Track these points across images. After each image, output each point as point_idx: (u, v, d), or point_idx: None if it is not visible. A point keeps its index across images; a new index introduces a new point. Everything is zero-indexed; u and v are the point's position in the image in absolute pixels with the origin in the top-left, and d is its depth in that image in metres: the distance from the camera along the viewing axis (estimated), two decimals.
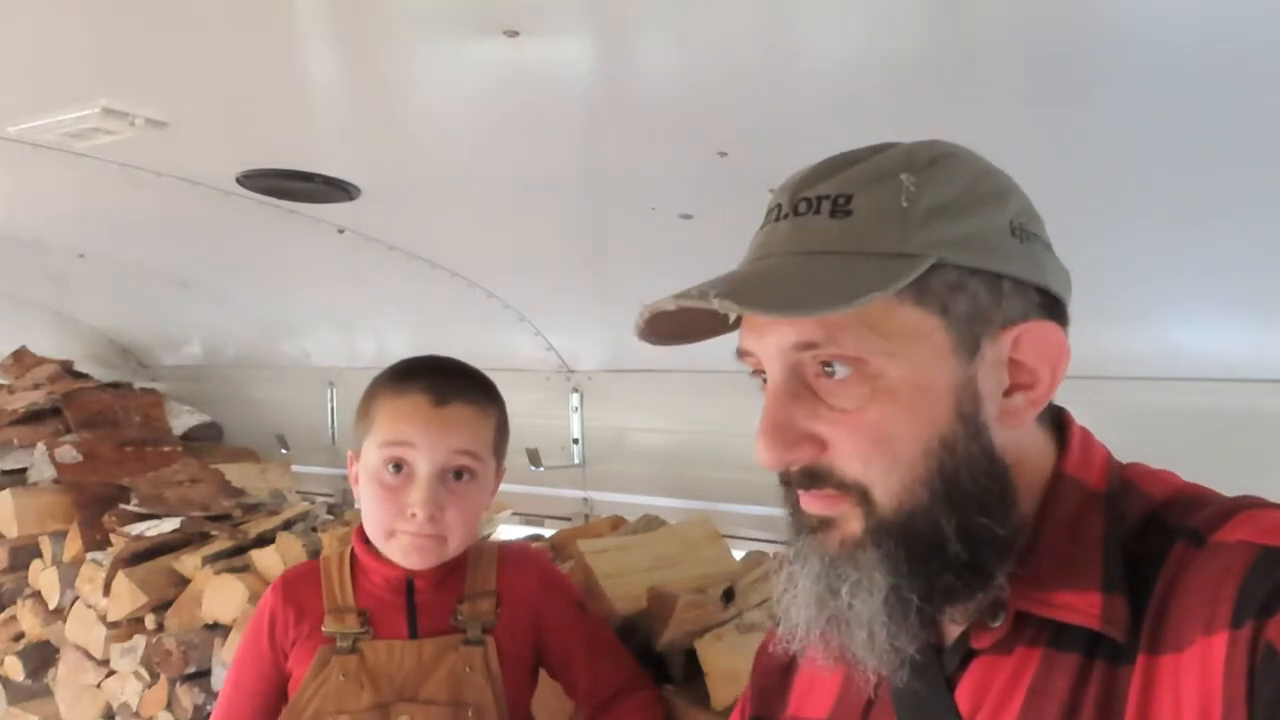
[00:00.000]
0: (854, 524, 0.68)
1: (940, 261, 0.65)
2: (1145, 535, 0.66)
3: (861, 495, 0.67)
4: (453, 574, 1.27)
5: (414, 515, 1.18)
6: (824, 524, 0.69)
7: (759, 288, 0.68)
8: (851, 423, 0.67)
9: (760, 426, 0.69)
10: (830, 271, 0.66)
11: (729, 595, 1.47)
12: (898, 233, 0.66)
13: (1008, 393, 0.69)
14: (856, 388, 0.66)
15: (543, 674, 1.34)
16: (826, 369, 0.67)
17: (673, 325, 0.74)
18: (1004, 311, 0.68)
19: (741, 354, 0.74)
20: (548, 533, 2.23)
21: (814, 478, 0.68)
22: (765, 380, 0.72)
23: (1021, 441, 0.70)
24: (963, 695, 0.69)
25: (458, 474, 1.21)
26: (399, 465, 1.19)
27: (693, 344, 0.78)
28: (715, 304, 0.64)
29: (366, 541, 1.28)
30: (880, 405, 0.66)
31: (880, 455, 0.66)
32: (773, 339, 0.69)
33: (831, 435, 0.67)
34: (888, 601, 0.66)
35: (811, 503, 0.70)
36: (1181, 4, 0.85)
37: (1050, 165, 1.17)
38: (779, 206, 0.72)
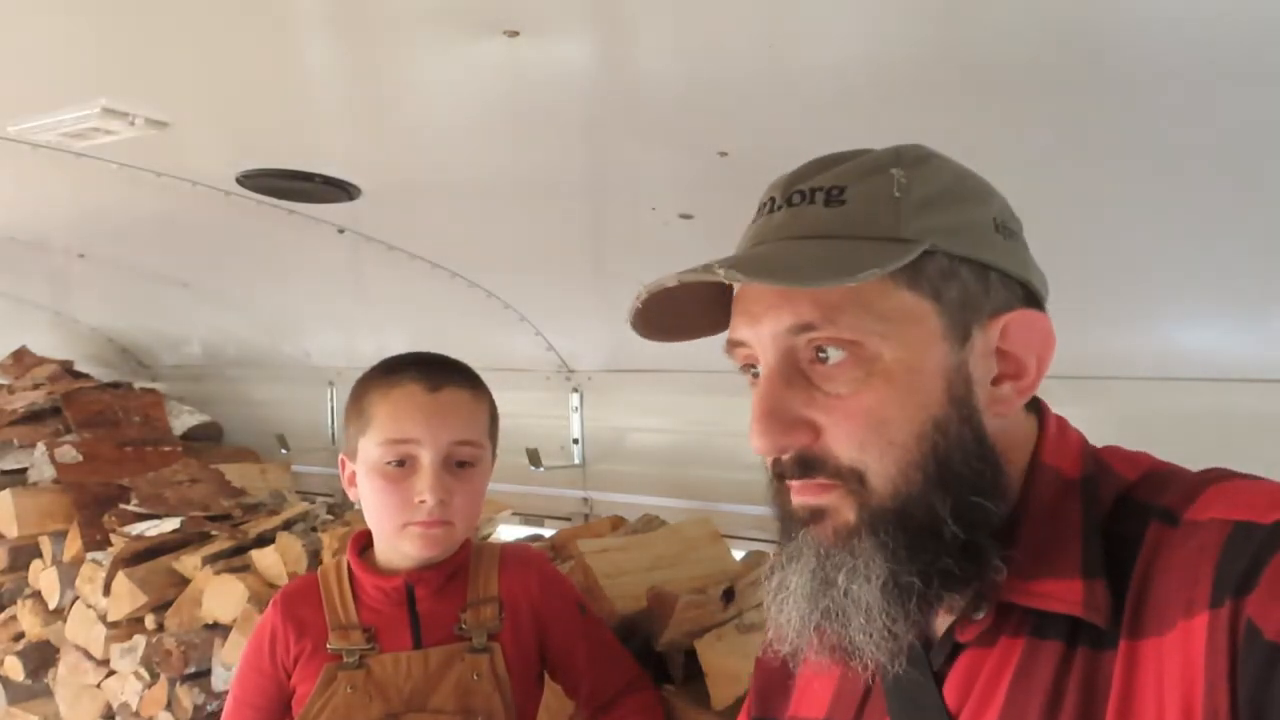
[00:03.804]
0: (848, 512, 0.68)
1: (933, 248, 0.67)
2: (1119, 516, 0.67)
3: (857, 481, 0.67)
4: (453, 580, 1.26)
5: (422, 502, 1.18)
6: (816, 514, 0.69)
7: (761, 264, 0.68)
8: (846, 407, 0.67)
9: (754, 413, 0.68)
10: (830, 252, 0.67)
11: (729, 595, 1.47)
12: (892, 219, 0.68)
13: (995, 381, 0.70)
14: (851, 371, 0.67)
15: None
16: (820, 354, 0.67)
17: (668, 317, 0.74)
18: (992, 301, 0.69)
19: (732, 346, 0.73)
20: (548, 533, 2.23)
21: (807, 466, 0.68)
22: (755, 375, 0.72)
23: (1009, 430, 0.71)
24: (950, 688, 0.69)
25: (460, 463, 1.22)
26: (401, 460, 1.19)
27: (685, 341, 0.78)
28: (721, 274, 0.65)
29: (361, 553, 1.27)
30: (875, 389, 0.66)
31: (875, 439, 0.66)
32: (768, 324, 0.69)
33: (826, 421, 0.67)
34: (885, 588, 0.65)
35: (803, 493, 0.69)
36: (1184, 3, 0.85)
37: (1051, 166, 1.17)
38: (772, 200, 0.73)
